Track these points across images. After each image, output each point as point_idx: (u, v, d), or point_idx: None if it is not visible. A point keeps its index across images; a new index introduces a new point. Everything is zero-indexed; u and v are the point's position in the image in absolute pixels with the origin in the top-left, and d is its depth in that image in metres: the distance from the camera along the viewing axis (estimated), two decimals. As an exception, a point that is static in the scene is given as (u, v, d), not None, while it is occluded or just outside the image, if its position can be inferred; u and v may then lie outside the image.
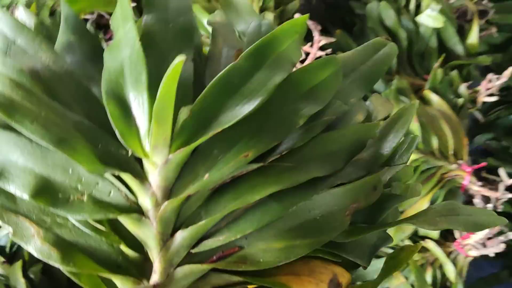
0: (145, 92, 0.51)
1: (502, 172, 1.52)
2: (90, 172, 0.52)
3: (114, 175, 0.52)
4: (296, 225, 0.55)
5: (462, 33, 1.77)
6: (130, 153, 0.53)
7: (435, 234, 1.44)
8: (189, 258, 0.56)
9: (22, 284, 1.19)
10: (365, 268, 0.62)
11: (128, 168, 0.53)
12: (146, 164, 0.53)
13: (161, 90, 0.46)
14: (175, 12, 0.60)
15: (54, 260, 0.51)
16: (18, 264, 1.17)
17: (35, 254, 0.51)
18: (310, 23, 1.52)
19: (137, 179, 0.52)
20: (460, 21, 1.80)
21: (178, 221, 0.55)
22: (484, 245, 1.37)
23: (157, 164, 0.52)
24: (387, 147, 0.63)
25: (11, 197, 0.53)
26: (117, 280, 0.54)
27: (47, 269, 1.38)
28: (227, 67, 0.52)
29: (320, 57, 1.05)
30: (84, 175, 0.53)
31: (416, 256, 1.37)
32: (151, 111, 0.50)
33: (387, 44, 0.65)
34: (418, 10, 1.77)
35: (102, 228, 0.53)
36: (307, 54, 1.49)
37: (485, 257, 1.46)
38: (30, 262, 1.32)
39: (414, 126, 1.42)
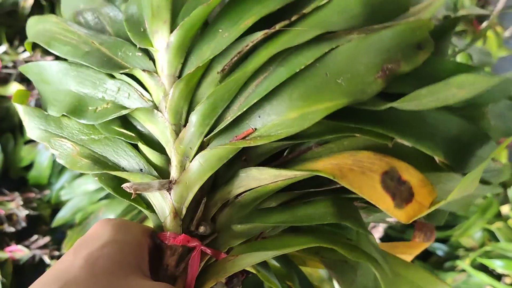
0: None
1: None
2: (113, 75, 0.58)
3: (132, 78, 0.57)
4: (312, 91, 0.48)
5: None
6: (145, 53, 0.58)
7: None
8: (205, 149, 0.53)
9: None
10: (452, 169, 0.51)
11: (140, 65, 0.57)
12: (155, 54, 0.56)
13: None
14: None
15: (83, 168, 0.56)
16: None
17: (71, 167, 0.57)
18: None
19: (146, 72, 0.55)
20: None
21: (191, 111, 0.54)
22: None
23: (160, 50, 0.55)
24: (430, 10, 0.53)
25: (58, 123, 0.60)
26: (137, 179, 0.55)
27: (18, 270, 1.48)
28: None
29: None
30: (108, 83, 0.58)
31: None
32: (152, 4, 0.55)
33: None
34: None
35: (125, 131, 0.57)
36: None
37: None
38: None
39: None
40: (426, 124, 0.51)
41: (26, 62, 1.73)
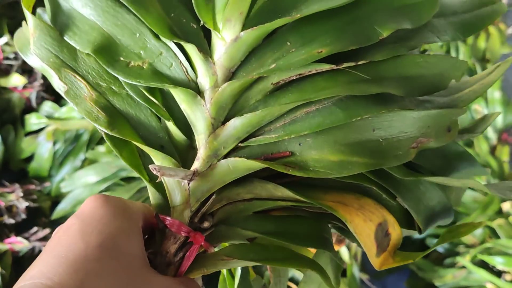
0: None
1: None
2: (158, 35, 0.53)
3: (179, 47, 0.53)
4: (356, 141, 0.52)
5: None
6: (200, 28, 0.54)
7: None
8: (236, 153, 0.54)
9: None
10: (419, 232, 0.58)
11: (195, 41, 0.53)
12: (215, 40, 0.53)
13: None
14: None
15: (100, 123, 0.51)
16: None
17: (82, 114, 0.52)
18: None
19: (201, 54, 0.51)
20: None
21: (232, 111, 0.54)
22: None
23: (226, 40, 0.52)
24: (464, 100, 0.59)
25: (73, 54, 0.54)
26: (157, 158, 0.53)
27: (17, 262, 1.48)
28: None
29: None
30: (150, 42, 0.54)
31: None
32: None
33: (496, 2, 0.64)
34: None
35: (155, 100, 0.53)
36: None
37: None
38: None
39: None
40: (418, 190, 0.58)
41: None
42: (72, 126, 1.69)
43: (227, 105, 0.53)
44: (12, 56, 1.72)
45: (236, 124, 0.52)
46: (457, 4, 0.62)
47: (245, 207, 0.57)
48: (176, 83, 0.53)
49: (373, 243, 0.55)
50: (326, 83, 0.51)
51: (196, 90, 0.53)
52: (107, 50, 0.52)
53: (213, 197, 0.54)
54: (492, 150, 1.73)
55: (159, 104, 0.53)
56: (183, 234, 0.52)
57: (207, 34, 0.54)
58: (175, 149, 0.55)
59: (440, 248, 1.71)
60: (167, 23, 0.52)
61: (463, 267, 1.58)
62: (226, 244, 0.61)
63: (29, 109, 1.79)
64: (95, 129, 1.70)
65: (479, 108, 1.77)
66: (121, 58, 0.52)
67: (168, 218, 0.53)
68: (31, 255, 1.54)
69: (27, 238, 1.52)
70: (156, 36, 0.53)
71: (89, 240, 0.44)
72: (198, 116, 0.53)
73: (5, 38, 1.69)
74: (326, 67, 0.51)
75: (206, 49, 0.53)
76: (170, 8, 0.53)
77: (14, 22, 1.83)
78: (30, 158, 1.73)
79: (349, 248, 1.59)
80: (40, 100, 1.80)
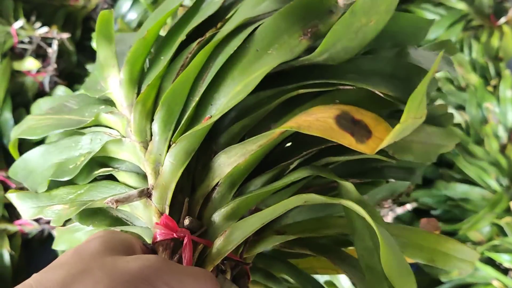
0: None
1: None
2: (83, 133, 0.66)
3: (103, 126, 0.65)
4: (248, 67, 0.57)
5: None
6: (105, 104, 0.66)
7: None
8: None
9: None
10: (397, 99, 0.57)
11: (103, 111, 0.64)
12: (112, 96, 0.65)
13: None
14: None
15: (72, 213, 0.61)
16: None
17: (63, 220, 0.61)
18: None
19: (108, 113, 0.63)
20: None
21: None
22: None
23: (115, 89, 0.64)
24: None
25: (47, 195, 0.66)
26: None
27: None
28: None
29: None
30: (82, 141, 0.65)
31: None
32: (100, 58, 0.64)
33: None
34: None
35: (107, 168, 0.64)
36: None
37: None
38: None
39: None
40: (363, 71, 0.58)
41: (43, 38, 1.78)
42: (83, 111, 1.71)
43: (145, 126, 0.60)
44: (26, 40, 1.71)
45: (155, 130, 0.58)
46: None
47: (221, 194, 0.58)
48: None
49: (342, 132, 0.53)
50: (203, 52, 0.56)
51: (122, 137, 0.61)
52: (59, 169, 0.64)
53: (187, 200, 0.57)
54: (502, 148, 1.71)
55: (107, 167, 0.63)
56: (168, 237, 0.53)
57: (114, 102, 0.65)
58: (135, 189, 0.60)
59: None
60: (84, 119, 0.65)
61: (470, 264, 1.56)
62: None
63: (42, 93, 1.78)
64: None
65: (490, 107, 1.75)
66: (70, 166, 0.63)
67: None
68: (40, 237, 1.50)
69: (37, 221, 1.51)
70: (83, 134, 0.65)
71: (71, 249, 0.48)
72: (132, 150, 0.60)
73: (21, 22, 1.71)
74: (193, 45, 0.59)
75: (112, 110, 0.63)
76: (83, 111, 0.67)
77: (29, 6, 1.86)
78: (41, 142, 1.74)
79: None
80: (53, 84, 1.78)
